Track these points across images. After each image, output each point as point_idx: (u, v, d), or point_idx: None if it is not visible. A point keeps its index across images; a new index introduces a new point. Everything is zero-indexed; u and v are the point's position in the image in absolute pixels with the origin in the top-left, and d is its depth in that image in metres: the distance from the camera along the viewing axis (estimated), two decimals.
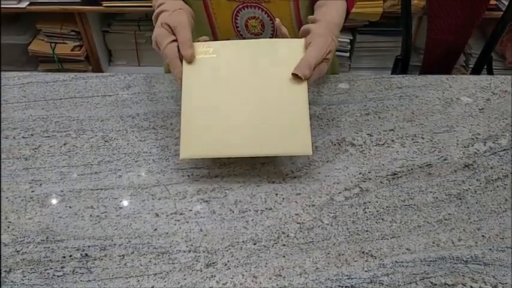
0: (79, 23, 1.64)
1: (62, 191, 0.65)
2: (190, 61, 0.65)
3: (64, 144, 0.73)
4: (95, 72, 1.81)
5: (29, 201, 0.63)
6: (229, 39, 0.72)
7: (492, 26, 1.44)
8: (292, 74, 0.63)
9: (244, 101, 0.64)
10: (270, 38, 0.77)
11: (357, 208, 0.62)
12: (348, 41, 1.63)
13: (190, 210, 0.62)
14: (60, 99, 0.83)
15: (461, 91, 0.85)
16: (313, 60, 0.62)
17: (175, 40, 0.65)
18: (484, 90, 0.85)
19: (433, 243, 0.58)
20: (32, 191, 0.65)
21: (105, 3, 1.56)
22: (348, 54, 1.67)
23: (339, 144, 0.72)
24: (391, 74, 1.52)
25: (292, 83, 0.64)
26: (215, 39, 0.77)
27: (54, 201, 0.63)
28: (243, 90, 0.65)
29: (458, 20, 1.37)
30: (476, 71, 1.45)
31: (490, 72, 1.47)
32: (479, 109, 0.81)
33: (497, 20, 1.33)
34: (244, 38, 0.76)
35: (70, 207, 0.62)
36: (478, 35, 1.66)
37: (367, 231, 0.59)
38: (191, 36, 0.65)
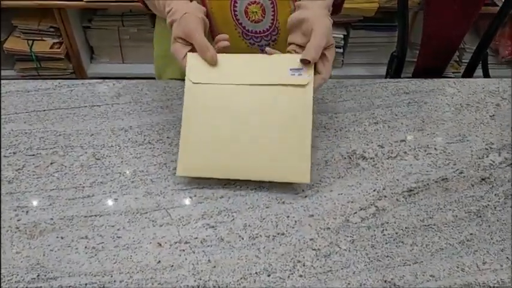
0: (58, 18, 1.54)
1: (51, 218, 0.59)
2: (214, 63, 0.62)
3: (51, 163, 0.66)
4: (75, 70, 1.72)
5: (15, 232, 0.57)
6: (224, 41, 0.67)
7: (485, 21, 1.42)
8: (301, 60, 0.61)
9: (245, 122, 0.62)
10: (271, 25, 0.72)
11: (374, 230, 0.58)
12: (342, 36, 1.58)
13: (196, 237, 0.57)
14: (44, 110, 0.76)
15: (470, 96, 0.82)
16: (322, 43, 0.60)
17: (192, 50, 0.63)
18: (492, 95, 0.82)
19: (457, 267, 0.54)
20: (18, 220, 0.58)
21: None
22: (341, 50, 1.63)
23: (350, 158, 0.68)
24: (386, 70, 1.48)
25: (297, 103, 0.62)
26: (211, 28, 0.72)
27: (43, 231, 0.57)
28: (245, 110, 0.63)
29: (455, 15, 1.33)
30: (471, 67, 1.43)
31: (486, 68, 1.45)
32: (490, 116, 0.77)
33: (493, 15, 1.31)
34: (244, 27, 0.71)
35: (62, 237, 0.56)
36: (471, 29, 1.64)
37: (387, 256, 0.55)
38: (204, 38, 0.62)
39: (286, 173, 0.61)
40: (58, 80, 0.83)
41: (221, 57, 0.63)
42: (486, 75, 1.46)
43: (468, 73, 1.44)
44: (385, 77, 1.50)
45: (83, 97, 0.79)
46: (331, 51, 0.63)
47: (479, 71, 1.44)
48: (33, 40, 1.62)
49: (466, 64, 1.46)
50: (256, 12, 0.70)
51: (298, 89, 0.61)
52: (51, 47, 1.62)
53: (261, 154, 0.61)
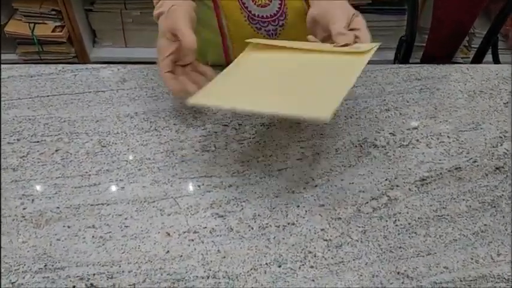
0: (60, 1, 1.51)
1: (57, 207, 0.58)
2: (192, 47, 0.58)
3: (56, 150, 0.65)
4: (78, 54, 1.69)
5: (21, 221, 0.56)
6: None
7: (496, 4, 1.38)
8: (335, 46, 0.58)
9: (289, 66, 0.60)
10: (278, 9, 0.69)
11: (386, 220, 0.57)
12: None
13: (205, 227, 0.56)
14: (48, 96, 0.75)
15: (484, 83, 0.80)
16: (342, 26, 0.58)
17: (173, 53, 0.60)
18: (506, 81, 0.80)
19: (472, 259, 0.53)
20: (24, 209, 0.57)
21: None
22: None
23: (361, 146, 0.67)
24: (395, 55, 1.45)
25: (348, 61, 0.57)
26: (218, 16, 0.70)
27: (50, 220, 0.56)
28: (293, 61, 0.61)
29: None
30: (481, 52, 1.40)
31: (496, 53, 1.42)
32: (504, 103, 0.75)
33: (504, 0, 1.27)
34: (250, 12, 0.69)
35: (69, 227, 0.55)
36: (481, 13, 1.60)
37: (400, 247, 0.54)
38: (190, 29, 0.58)
39: (306, 107, 0.52)
40: (61, 65, 0.81)
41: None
42: (496, 60, 1.43)
43: (478, 58, 1.41)
44: (394, 62, 1.47)
45: (87, 82, 0.77)
46: (358, 21, 0.60)
47: (488, 57, 1.41)
48: (35, 23, 1.59)
49: (475, 49, 1.43)
50: None
51: (353, 55, 0.58)
52: (53, 31, 1.60)
53: (290, 90, 0.56)
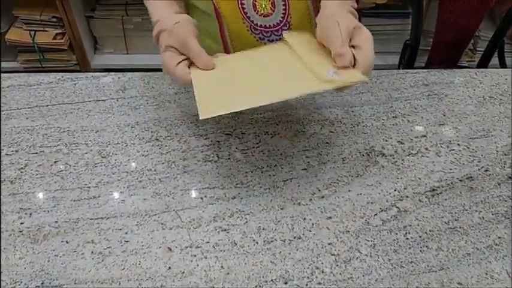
0: (60, 8, 1.50)
1: (56, 221, 0.56)
2: (211, 68, 0.56)
3: (55, 161, 0.63)
4: (79, 61, 1.68)
5: (19, 236, 0.54)
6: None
7: (501, 6, 1.36)
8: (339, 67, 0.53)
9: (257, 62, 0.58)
10: (281, 19, 0.67)
11: (397, 233, 0.55)
12: None
13: (208, 242, 0.54)
14: (47, 105, 0.73)
15: (493, 88, 0.78)
16: (338, 45, 0.52)
17: (186, 59, 0.56)
18: None
19: (486, 274, 0.51)
20: (21, 223, 0.56)
21: None
22: None
23: (368, 155, 0.65)
24: (399, 59, 1.44)
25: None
26: (220, 25, 0.68)
27: (48, 235, 0.54)
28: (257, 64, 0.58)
29: (471, 2, 1.28)
30: (486, 55, 1.38)
31: (502, 57, 1.40)
32: None
33: (510, 1, 1.25)
34: (252, 21, 0.67)
35: (67, 242, 0.54)
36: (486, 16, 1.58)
37: (411, 262, 0.52)
38: (200, 46, 0.56)
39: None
40: (61, 74, 0.80)
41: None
42: (503, 64, 1.41)
43: (484, 62, 1.39)
44: (398, 66, 1.45)
45: (87, 91, 0.76)
46: (361, 35, 0.54)
47: (494, 60, 1.39)
48: (36, 31, 1.58)
49: (480, 52, 1.41)
50: (265, 5, 0.66)
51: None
52: (54, 38, 1.59)
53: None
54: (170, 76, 0.57)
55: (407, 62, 1.37)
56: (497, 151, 0.66)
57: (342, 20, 0.54)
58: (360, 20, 0.57)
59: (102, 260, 0.52)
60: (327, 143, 0.66)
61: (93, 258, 0.52)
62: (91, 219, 0.56)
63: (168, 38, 0.56)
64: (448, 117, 0.71)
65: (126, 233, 0.54)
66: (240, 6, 0.66)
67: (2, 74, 0.80)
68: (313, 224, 0.55)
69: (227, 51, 0.72)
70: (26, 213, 0.57)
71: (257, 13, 0.66)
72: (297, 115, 0.71)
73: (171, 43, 0.56)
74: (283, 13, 0.67)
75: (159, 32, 0.58)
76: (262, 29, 0.68)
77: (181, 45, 0.55)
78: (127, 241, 0.54)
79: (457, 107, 0.73)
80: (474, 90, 0.77)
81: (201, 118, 0.50)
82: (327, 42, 0.55)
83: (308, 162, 0.63)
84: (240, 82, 0.55)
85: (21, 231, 0.55)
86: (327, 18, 0.56)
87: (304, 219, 0.56)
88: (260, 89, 0.54)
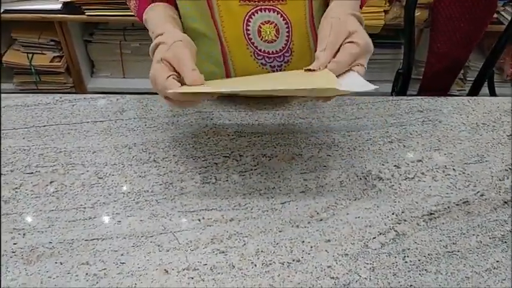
0: (59, 32, 1.52)
1: (50, 242, 0.55)
2: (200, 83, 0.55)
3: (50, 182, 0.63)
4: (75, 84, 1.69)
5: (11, 257, 0.53)
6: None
7: (489, 39, 1.41)
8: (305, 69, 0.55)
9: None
10: (284, 46, 0.69)
11: (395, 257, 0.54)
12: None
13: (205, 264, 0.53)
14: (44, 126, 0.73)
15: (486, 115, 0.79)
16: (323, 46, 0.53)
17: (177, 75, 0.55)
18: (508, 113, 0.80)
19: None
20: (14, 244, 0.54)
21: (88, 12, 1.45)
22: None
23: (365, 178, 0.65)
24: (392, 87, 1.47)
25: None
26: (222, 49, 0.69)
27: (41, 256, 0.53)
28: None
29: (462, 33, 1.33)
30: (477, 84, 1.41)
31: (492, 86, 1.44)
32: (508, 135, 0.75)
33: (498, 33, 1.30)
34: (256, 47, 0.68)
35: (61, 263, 0.52)
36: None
37: (411, 285, 0.51)
38: (196, 69, 0.56)
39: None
40: (59, 95, 0.80)
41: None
42: (492, 93, 1.44)
43: (474, 91, 1.42)
44: (391, 95, 1.48)
45: (84, 112, 0.76)
46: (351, 42, 0.53)
47: (483, 89, 1.43)
48: (33, 53, 1.59)
49: (471, 82, 1.44)
50: (269, 32, 0.67)
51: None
52: (51, 61, 1.60)
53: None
54: (155, 87, 0.55)
55: (399, 90, 1.40)
56: (492, 176, 0.67)
57: (337, 23, 0.54)
58: None
59: (97, 282, 0.50)
60: (325, 166, 0.67)
61: (87, 280, 0.51)
62: (86, 240, 0.55)
63: (165, 51, 0.56)
64: (442, 143, 0.72)
65: (121, 255, 0.53)
66: (245, 32, 0.67)
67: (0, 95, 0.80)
68: (312, 247, 0.55)
69: (228, 76, 0.73)
70: (19, 234, 0.55)
71: (261, 39, 0.68)
72: (294, 138, 0.71)
73: (166, 56, 0.55)
74: (286, 39, 0.68)
75: (158, 43, 0.58)
76: (265, 54, 0.69)
77: (177, 61, 0.55)
78: (123, 263, 0.53)
79: (451, 133, 0.75)
80: (467, 117, 0.79)
81: (168, 91, 0.51)
82: (318, 41, 0.56)
83: (306, 185, 0.63)
84: (227, 82, 0.56)
85: (14, 252, 0.53)
86: (325, 19, 0.57)
87: (303, 241, 0.56)
88: (242, 83, 0.54)
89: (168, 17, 0.65)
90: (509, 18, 1.27)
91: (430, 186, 0.64)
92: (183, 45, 0.56)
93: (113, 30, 1.63)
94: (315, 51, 0.57)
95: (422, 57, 1.46)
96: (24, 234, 0.55)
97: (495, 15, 1.47)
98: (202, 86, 0.53)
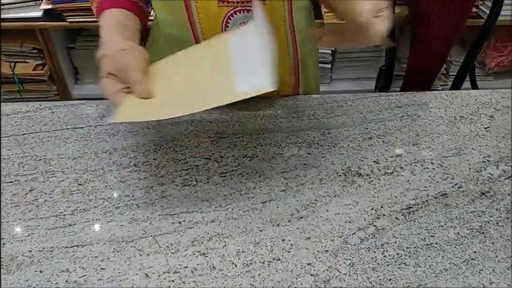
0: (41, 39, 1.51)
1: (30, 250, 0.54)
2: (148, 96, 0.55)
3: (30, 190, 0.62)
4: (60, 92, 1.68)
5: None
6: None
7: (470, 33, 1.43)
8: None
9: (192, 70, 0.58)
10: None
11: (375, 252, 0.55)
12: (330, 52, 1.58)
13: (186, 266, 0.53)
14: (23, 134, 0.72)
15: (463, 108, 0.80)
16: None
17: (126, 87, 0.55)
18: (485, 106, 0.81)
19: None
20: None
21: (69, 19, 1.45)
22: (329, 66, 1.62)
23: (345, 175, 0.66)
24: (375, 84, 1.48)
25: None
26: (186, 5, 0.67)
27: (21, 265, 0.53)
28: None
29: (442, 28, 1.34)
30: (459, 79, 1.43)
31: (473, 80, 1.46)
32: (485, 128, 0.76)
33: (478, 27, 1.32)
34: None
35: (41, 271, 0.52)
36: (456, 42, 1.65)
37: (390, 279, 0.52)
38: (143, 76, 0.55)
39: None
40: (39, 102, 0.80)
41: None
42: (474, 87, 1.46)
43: (456, 86, 1.44)
44: (375, 91, 1.49)
45: (64, 119, 0.75)
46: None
47: (466, 83, 1.45)
48: (16, 62, 1.58)
49: (453, 77, 1.46)
50: None
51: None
52: (34, 69, 1.59)
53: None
54: (110, 102, 0.55)
55: (383, 86, 1.41)
56: (469, 168, 0.68)
57: None
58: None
59: None
60: (305, 164, 0.67)
61: (67, 287, 0.50)
62: (66, 247, 0.55)
63: (109, 64, 0.55)
64: (421, 137, 0.73)
65: (102, 261, 0.53)
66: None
67: None
68: (292, 245, 0.55)
69: (196, 37, 0.70)
70: None
71: None
72: (275, 138, 0.72)
73: (112, 70, 0.54)
74: None
75: (102, 56, 0.56)
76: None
77: (122, 73, 0.54)
78: (103, 268, 0.52)
79: (429, 127, 0.75)
80: (445, 110, 0.80)
81: (111, 121, 0.53)
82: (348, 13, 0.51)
83: (286, 183, 0.64)
84: (165, 95, 0.56)
85: None
86: None
87: (283, 240, 0.56)
88: (179, 102, 0.54)
89: (116, 24, 0.62)
90: (488, 12, 1.29)
91: (408, 181, 0.65)
92: (127, 54, 0.55)
93: (96, 36, 1.61)
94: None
95: (404, 53, 1.47)
96: (4, 244, 0.55)
97: (474, 10, 1.49)
98: (141, 112, 0.54)
